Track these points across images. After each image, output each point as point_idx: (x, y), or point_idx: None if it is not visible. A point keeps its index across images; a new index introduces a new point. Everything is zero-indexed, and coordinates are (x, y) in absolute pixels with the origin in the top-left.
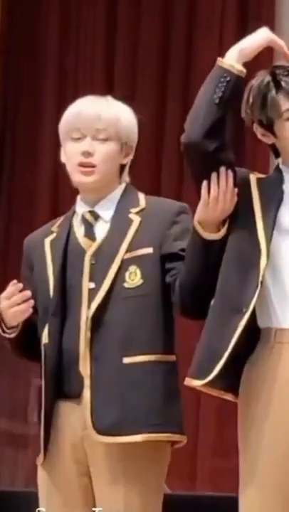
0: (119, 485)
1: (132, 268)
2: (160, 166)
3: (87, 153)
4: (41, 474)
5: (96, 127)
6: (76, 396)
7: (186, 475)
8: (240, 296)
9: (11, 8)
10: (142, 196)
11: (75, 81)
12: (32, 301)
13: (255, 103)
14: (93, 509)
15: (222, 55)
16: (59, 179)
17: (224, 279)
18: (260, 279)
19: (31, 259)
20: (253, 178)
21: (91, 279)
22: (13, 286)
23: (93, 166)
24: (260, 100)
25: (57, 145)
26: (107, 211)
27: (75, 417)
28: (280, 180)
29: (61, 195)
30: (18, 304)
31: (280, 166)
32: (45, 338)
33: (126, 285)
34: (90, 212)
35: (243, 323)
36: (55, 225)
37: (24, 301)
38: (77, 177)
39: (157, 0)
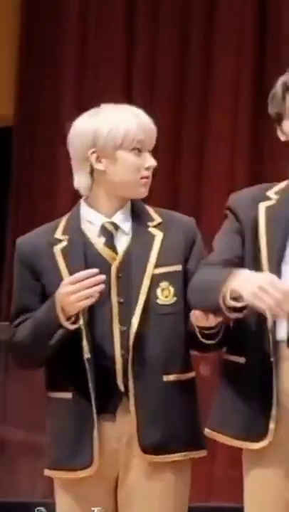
0: (155, 500)
1: (164, 284)
2: (178, 176)
3: (150, 168)
4: (63, 490)
5: (153, 142)
6: (111, 412)
7: (202, 486)
8: None
9: (30, 23)
10: (149, 208)
11: (94, 91)
12: (102, 286)
13: (269, 99)
14: (92, 508)
15: (239, 69)
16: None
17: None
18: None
19: (36, 267)
20: (262, 207)
21: (119, 293)
22: (84, 272)
23: (148, 179)
24: (272, 96)
25: None
26: (124, 223)
27: (110, 433)
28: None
29: None
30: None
31: None
32: (86, 352)
33: (159, 301)
34: (112, 222)
35: None
36: (58, 231)
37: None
38: (138, 189)
39: (175, 13)
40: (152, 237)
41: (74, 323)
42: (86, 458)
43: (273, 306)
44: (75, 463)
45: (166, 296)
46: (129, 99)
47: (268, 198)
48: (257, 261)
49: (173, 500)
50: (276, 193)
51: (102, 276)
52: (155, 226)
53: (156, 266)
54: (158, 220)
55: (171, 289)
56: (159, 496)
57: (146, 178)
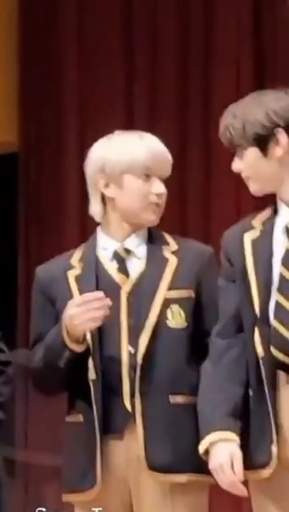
0: None
1: (175, 308)
2: (185, 197)
3: (161, 195)
4: (80, 507)
5: (166, 170)
6: (119, 431)
7: (232, 504)
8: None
9: (29, 49)
10: (167, 235)
11: (96, 115)
12: (108, 310)
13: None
14: (93, 509)
15: (239, 87)
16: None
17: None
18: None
19: (52, 293)
20: (247, 240)
21: (129, 315)
22: (90, 294)
23: (159, 206)
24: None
25: (81, 182)
26: (137, 247)
27: (118, 453)
28: (272, 227)
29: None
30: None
31: (277, 199)
32: (92, 373)
33: (170, 324)
34: (124, 248)
35: None
36: (74, 258)
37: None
38: (146, 215)
39: (173, 33)
40: (166, 261)
41: (81, 345)
42: (92, 479)
43: (227, 486)
44: (84, 485)
45: (177, 320)
46: (130, 121)
47: (252, 227)
48: (247, 288)
49: None
50: (261, 222)
51: (108, 300)
52: (171, 252)
53: (169, 289)
54: (174, 246)
55: (182, 314)
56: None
57: (156, 204)
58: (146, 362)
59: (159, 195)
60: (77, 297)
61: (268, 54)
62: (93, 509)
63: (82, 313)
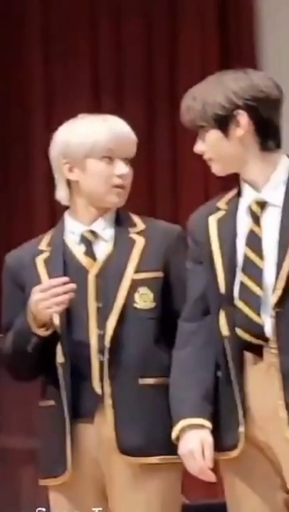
0: (141, 500)
1: (143, 290)
2: (154, 178)
3: (124, 176)
4: (56, 495)
5: (130, 151)
6: (89, 415)
7: (207, 483)
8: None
9: None
10: (134, 216)
11: (62, 100)
12: (72, 294)
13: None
14: (93, 509)
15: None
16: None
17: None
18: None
19: (21, 279)
20: (212, 221)
21: (97, 298)
22: (55, 280)
23: (124, 188)
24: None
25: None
26: (104, 230)
27: (89, 436)
28: (236, 208)
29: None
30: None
31: (241, 180)
32: (60, 357)
33: (137, 306)
34: (90, 231)
35: None
36: (43, 243)
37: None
38: (110, 197)
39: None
40: (133, 242)
41: (48, 330)
42: (63, 464)
43: (196, 473)
44: (56, 470)
45: (145, 301)
46: (97, 101)
47: (218, 209)
48: (213, 269)
49: (162, 503)
50: (226, 203)
51: (72, 285)
52: (137, 232)
53: (136, 271)
54: (141, 226)
55: (150, 295)
56: (144, 498)
57: (119, 186)
58: (115, 344)
59: (122, 177)
60: (43, 282)
61: (232, 40)
62: (93, 509)
63: (46, 298)
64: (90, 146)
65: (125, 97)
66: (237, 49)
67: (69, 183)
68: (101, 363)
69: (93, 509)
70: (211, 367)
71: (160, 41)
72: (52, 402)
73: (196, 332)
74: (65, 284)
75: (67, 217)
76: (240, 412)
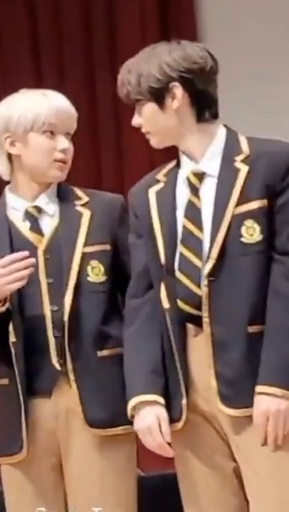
0: (96, 472)
1: (94, 263)
2: (97, 148)
3: (66, 151)
4: (9, 473)
5: (71, 126)
6: (47, 391)
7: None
8: None
9: None
10: (76, 189)
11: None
12: (32, 269)
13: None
14: (93, 509)
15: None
16: None
17: None
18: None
19: None
20: (151, 193)
21: (48, 274)
22: (15, 254)
23: (66, 163)
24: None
25: None
26: (48, 205)
27: (46, 410)
28: (175, 179)
29: None
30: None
31: (179, 152)
32: (12, 336)
33: (90, 279)
34: (34, 206)
35: None
36: None
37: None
38: (52, 172)
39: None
40: (80, 215)
41: (3, 306)
42: (19, 442)
43: (154, 448)
44: (12, 448)
45: (97, 275)
46: (38, 80)
47: (157, 181)
48: (154, 242)
49: (117, 473)
50: (164, 174)
51: (32, 259)
52: (82, 205)
53: (86, 244)
54: (85, 199)
55: (101, 268)
56: (101, 470)
57: (61, 161)
58: (72, 319)
59: (64, 151)
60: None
61: (172, 11)
62: (93, 509)
63: (7, 274)
64: (32, 120)
65: (65, 71)
66: (177, 20)
67: (10, 158)
68: (57, 339)
69: (93, 509)
70: (158, 339)
71: (99, 13)
72: (5, 381)
73: (140, 308)
74: (24, 258)
75: (8, 193)
76: (183, 384)
